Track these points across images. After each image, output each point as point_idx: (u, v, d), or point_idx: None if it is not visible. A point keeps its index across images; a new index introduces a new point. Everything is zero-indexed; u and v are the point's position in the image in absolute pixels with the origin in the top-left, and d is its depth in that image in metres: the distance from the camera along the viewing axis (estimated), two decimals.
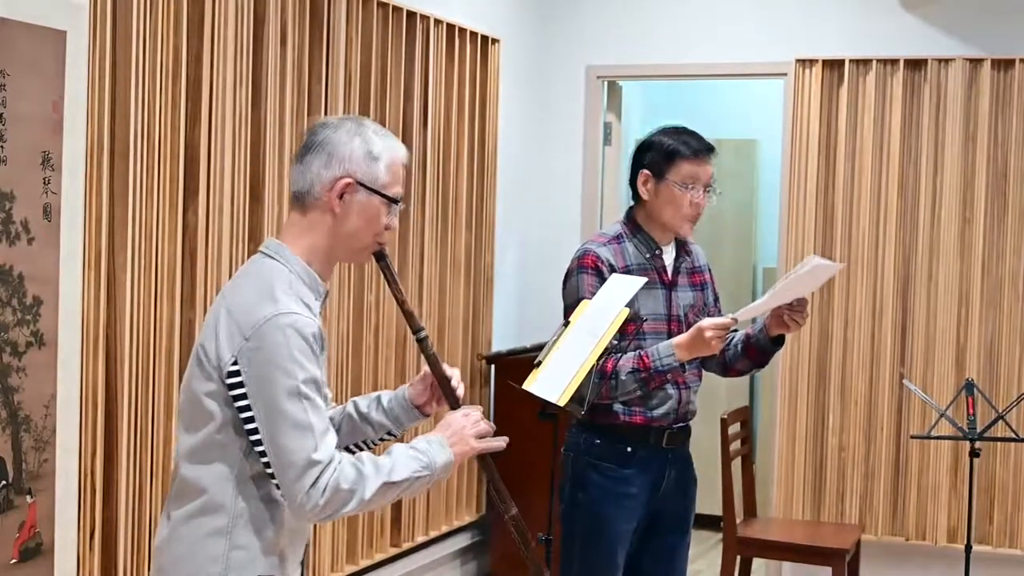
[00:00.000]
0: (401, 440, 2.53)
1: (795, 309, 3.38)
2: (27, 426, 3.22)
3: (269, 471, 2.25)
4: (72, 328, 3.36)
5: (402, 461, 2.31)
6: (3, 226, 3.13)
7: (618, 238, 3.54)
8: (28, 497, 3.24)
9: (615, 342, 3.41)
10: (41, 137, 3.23)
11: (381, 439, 2.60)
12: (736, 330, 3.60)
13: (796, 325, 3.40)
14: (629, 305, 3.39)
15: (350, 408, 2.58)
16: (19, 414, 3.20)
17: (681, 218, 3.49)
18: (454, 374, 2.54)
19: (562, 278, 3.57)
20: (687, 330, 3.47)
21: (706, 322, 3.34)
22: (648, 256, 3.52)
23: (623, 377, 3.38)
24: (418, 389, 2.57)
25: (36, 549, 3.27)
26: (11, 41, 3.13)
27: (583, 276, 3.43)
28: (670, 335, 3.47)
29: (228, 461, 2.27)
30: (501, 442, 2.48)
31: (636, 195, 3.56)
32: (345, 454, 2.29)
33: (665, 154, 3.49)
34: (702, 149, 3.50)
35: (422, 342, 2.50)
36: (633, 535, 3.54)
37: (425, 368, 2.55)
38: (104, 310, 3.53)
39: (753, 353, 3.55)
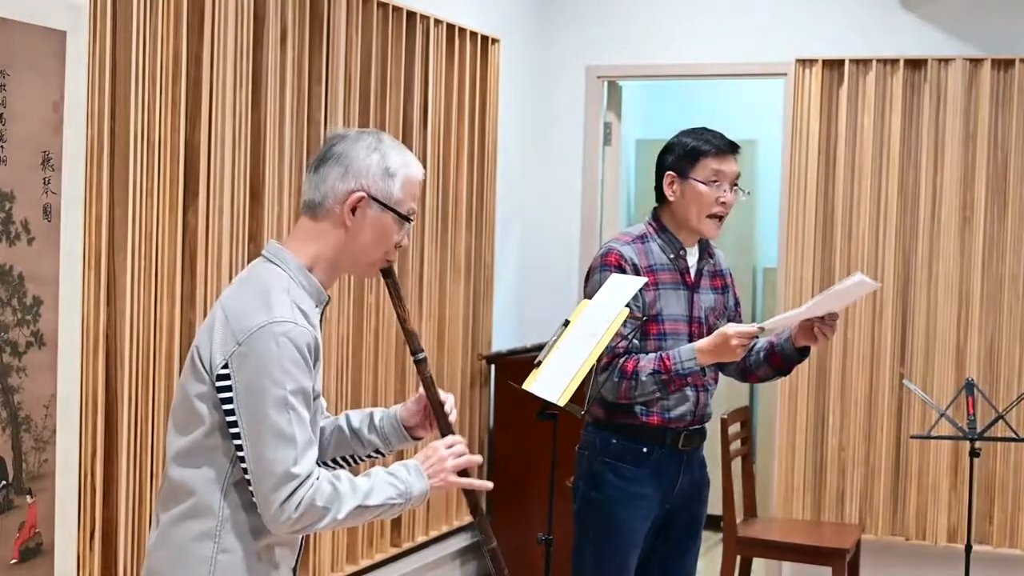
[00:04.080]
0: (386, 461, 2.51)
1: (826, 323, 3.36)
2: (27, 426, 3.22)
3: (247, 477, 2.22)
4: (72, 328, 3.36)
5: (379, 486, 2.29)
6: (3, 226, 3.13)
7: (642, 238, 3.54)
8: (28, 497, 3.24)
9: (635, 342, 3.42)
10: (41, 137, 3.23)
11: (369, 456, 2.56)
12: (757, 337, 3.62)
13: (824, 338, 3.38)
14: (640, 306, 3.40)
15: (342, 421, 2.55)
16: (19, 414, 3.20)
17: (707, 217, 3.48)
18: (448, 399, 2.50)
19: (584, 276, 3.58)
20: (707, 332, 3.48)
21: (732, 329, 3.32)
22: (672, 257, 3.52)
23: (643, 378, 3.37)
24: (411, 410, 2.53)
25: (36, 549, 3.27)
26: (11, 41, 3.13)
27: (606, 274, 3.43)
28: (690, 337, 3.48)
29: (216, 465, 2.26)
30: (482, 484, 2.47)
31: (661, 197, 3.56)
32: (324, 471, 2.26)
33: (688, 153, 3.49)
34: (724, 146, 3.51)
35: (420, 364, 2.47)
36: (646, 536, 3.55)
37: (420, 390, 2.51)
38: (104, 310, 3.53)
39: (777, 361, 3.53)
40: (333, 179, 2.33)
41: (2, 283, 3.14)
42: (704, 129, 3.56)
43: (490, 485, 2.51)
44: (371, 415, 2.55)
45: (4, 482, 3.17)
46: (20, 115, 3.16)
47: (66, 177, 3.31)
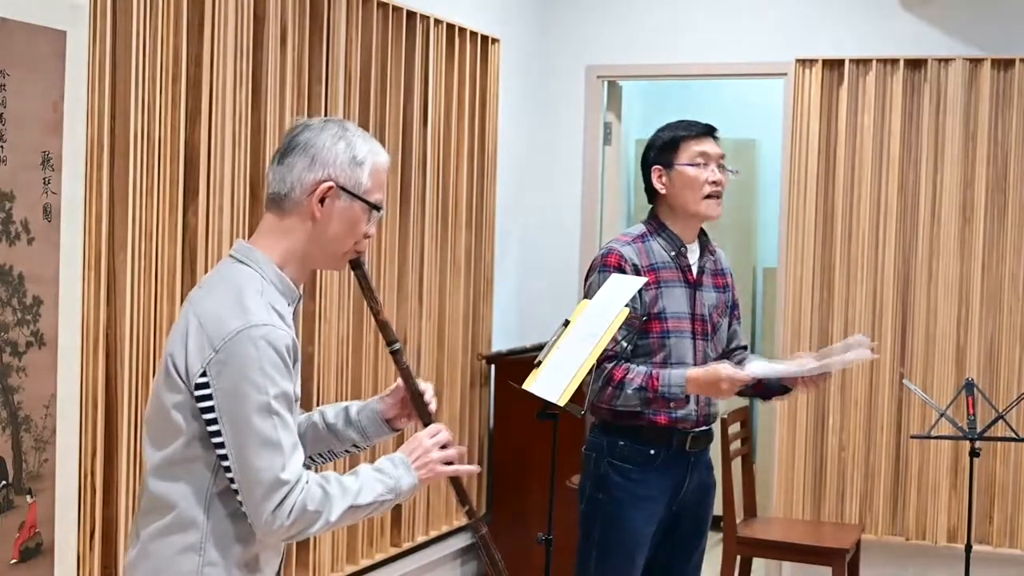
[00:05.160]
0: (364, 453, 2.47)
1: (811, 381, 3.43)
2: (27, 426, 3.22)
3: (234, 487, 2.17)
4: (72, 328, 3.36)
5: (368, 484, 2.25)
6: (3, 226, 3.13)
7: (642, 237, 3.54)
8: (28, 497, 3.24)
9: (627, 347, 3.41)
10: (41, 137, 3.23)
11: (346, 451, 2.53)
12: (745, 346, 3.69)
13: (806, 391, 3.47)
14: (639, 306, 3.40)
15: (316, 417, 2.51)
16: (19, 414, 3.20)
17: (703, 198, 3.49)
18: (427, 389, 2.47)
19: (584, 275, 3.60)
20: (712, 330, 3.51)
21: (725, 372, 3.34)
22: (673, 254, 3.52)
23: (628, 391, 3.38)
24: (388, 403, 2.50)
25: (36, 549, 3.27)
26: (11, 41, 3.12)
27: (605, 275, 3.43)
28: (694, 334, 3.49)
29: (197, 476, 2.20)
30: (470, 468, 2.45)
31: (654, 195, 3.57)
32: (312, 474, 2.22)
33: (668, 143, 3.53)
34: (702, 128, 3.55)
35: (395, 354, 2.45)
36: (652, 537, 3.54)
37: (398, 381, 2.49)
38: (104, 310, 3.53)
39: (759, 387, 3.56)
40: (299, 170, 2.26)
41: (2, 283, 3.14)
42: (678, 120, 3.59)
43: (477, 469, 2.50)
44: (346, 409, 2.51)
45: (4, 482, 3.16)
46: (20, 115, 3.15)
47: (66, 177, 3.31)
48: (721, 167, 3.52)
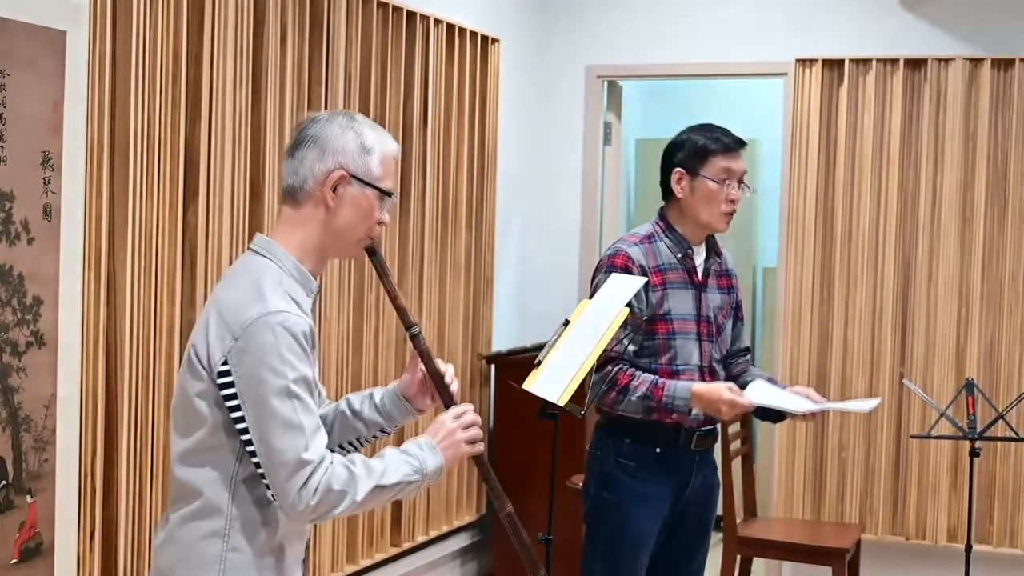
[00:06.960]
0: (392, 438, 2.49)
1: (809, 414, 3.42)
2: (27, 426, 3.22)
3: (260, 471, 2.23)
4: (72, 328, 3.36)
5: (394, 465, 2.30)
6: (3, 226, 3.13)
7: (650, 238, 3.54)
8: (28, 497, 3.24)
9: (629, 347, 3.41)
10: (41, 137, 3.23)
11: (374, 436, 2.57)
12: (748, 347, 3.69)
13: (804, 422, 3.47)
14: (645, 307, 3.40)
15: (343, 406, 2.55)
16: (19, 414, 3.20)
17: (718, 214, 3.50)
18: (448, 370, 2.50)
19: (591, 275, 3.60)
20: (716, 331, 3.51)
21: (727, 395, 3.34)
22: (679, 256, 3.52)
23: (632, 398, 3.38)
24: (407, 380, 2.52)
25: (36, 549, 3.27)
26: (11, 41, 3.13)
27: (610, 276, 3.43)
28: (699, 336, 3.50)
29: (222, 463, 2.26)
30: (480, 449, 2.48)
31: (668, 194, 3.56)
32: (336, 455, 2.27)
33: (698, 151, 3.50)
34: (734, 143, 3.53)
35: (415, 338, 2.47)
36: (657, 537, 3.54)
37: (410, 350, 2.51)
38: (104, 310, 3.53)
39: (757, 410, 3.54)
40: (311, 161, 2.34)
41: (2, 283, 3.14)
42: (713, 126, 3.56)
43: (482, 447, 2.51)
44: (371, 395, 2.56)
45: (4, 482, 3.17)
46: (20, 115, 3.16)
47: (66, 177, 3.31)
48: (741, 184, 3.51)
